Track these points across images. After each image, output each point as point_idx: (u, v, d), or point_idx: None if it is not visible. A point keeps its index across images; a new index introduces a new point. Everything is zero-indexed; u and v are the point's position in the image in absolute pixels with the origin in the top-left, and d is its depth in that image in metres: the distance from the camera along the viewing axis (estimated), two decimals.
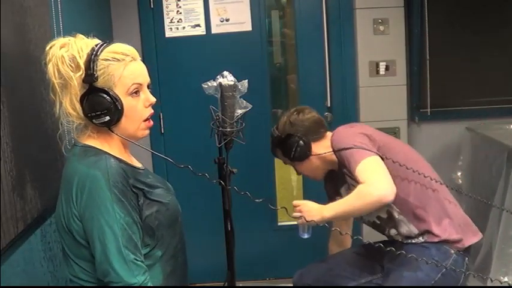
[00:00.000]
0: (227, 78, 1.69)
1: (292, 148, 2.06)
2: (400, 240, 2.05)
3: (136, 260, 1.35)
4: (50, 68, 1.38)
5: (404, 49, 3.10)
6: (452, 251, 1.93)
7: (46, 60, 1.40)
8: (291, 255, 3.24)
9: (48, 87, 1.42)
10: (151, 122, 1.48)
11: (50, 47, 1.40)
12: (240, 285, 2.14)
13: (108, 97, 1.37)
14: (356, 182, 1.88)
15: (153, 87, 1.51)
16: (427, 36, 3.12)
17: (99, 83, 1.37)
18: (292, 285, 2.30)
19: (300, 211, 1.95)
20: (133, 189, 1.40)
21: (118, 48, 1.42)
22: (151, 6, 3.11)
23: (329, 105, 3.16)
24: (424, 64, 3.16)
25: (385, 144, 2.00)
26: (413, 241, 2.01)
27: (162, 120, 3.18)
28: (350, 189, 2.03)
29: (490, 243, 2.75)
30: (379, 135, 2.05)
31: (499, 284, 2.30)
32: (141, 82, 1.43)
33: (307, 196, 3.31)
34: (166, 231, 1.48)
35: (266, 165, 3.26)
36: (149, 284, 1.38)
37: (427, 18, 3.10)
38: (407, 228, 2.00)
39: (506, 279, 2.63)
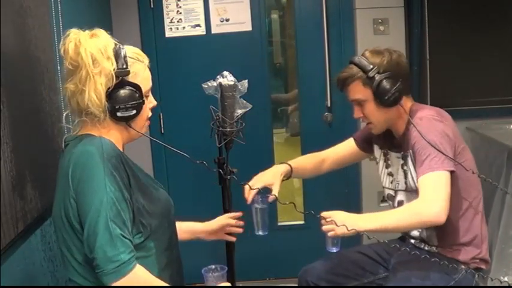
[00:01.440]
0: (227, 78, 1.70)
1: (391, 90, 1.83)
2: (413, 242, 2.03)
3: (124, 236, 1.32)
4: (83, 55, 1.37)
5: (404, 49, 3.10)
6: (463, 267, 1.91)
7: (67, 46, 1.39)
8: (291, 255, 3.23)
9: (48, 87, 1.42)
10: (149, 121, 1.55)
11: (74, 34, 1.40)
12: (240, 285, 2.13)
13: (138, 92, 1.42)
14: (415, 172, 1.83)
15: (153, 87, 1.54)
16: (427, 36, 3.12)
17: (128, 79, 1.42)
18: (291, 285, 2.30)
19: (332, 223, 1.75)
20: (127, 171, 1.41)
21: (137, 50, 1.49)
22: (151, 6, 3.11)
23: (329, 105, 3.16)
24: (424, 64, 3.16)
25: (460, 152, 1.89)
26: (426, 247, 1.99)
27: (162, 120, 3.18)
28: (406, 162, 1.95)
29: (490, 243, 2.74)
30: (459, 140, 1.93)
31: (499, 284, 2.29)
32: (151, 86, 1.52)
33: (307, 196, 3.31)
34: (159, 221, 1.49)
35: (266, 165, 3.24)
36: (133, 264, 1.33)
37: (427, 18, 3.10)
38: (429, 235, 1.97)
39: (506, 279, 2.63)
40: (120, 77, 1.40)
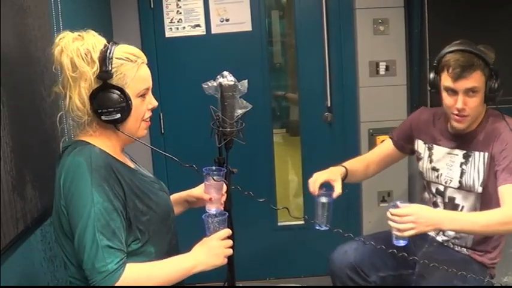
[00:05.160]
0: (227, 78, 1.69)
1: (500, 87, 1.92)
2: (440, 240, 2.03)
3: (111, 247, 1.33)
4: (64, 59, 1.39)
5: (404, 49, 3.10)
6: (488, 271, 1.96)
7: (55, 50, 1.40)
8: (291, 255, 3.24)
9: (48, 87, 1.43)
10: (149, 122, 1.53)
11: (60, 38, 1.41)
12: (240, 285, 2.13)
13: (122, 95, 1.39)
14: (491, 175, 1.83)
15: (153, 87, 1.54)
16: (427, 36, 3.11)
17: (113, 81, 1.39)
18: (291, 285, 2.29)
19: (412, 221, 1.71)
20: (120, 180, 1.40)
21: (131, 49, 1.45)
22: (151, 6, 3.11)
23: (329, 105, 3.16)
24: (424, 64, 3.15)
25: None
26: (456, 248, 1.99)
27: (162, 120, 3.18)
28: (467, 162, 1.94)
29: None
30: None
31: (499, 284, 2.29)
32: (149, 86, 1.49)
33: (307, 196, 3.30)
34: (158, 226, 1.49)
35: (266, 165, 3.26)
36: (120, 271, 1.33)
37: (427, 18, 3.10)
38: (464, 235, 1.97)
39: (506, 279, 2.63)
40: (103, 80, 1.38)
